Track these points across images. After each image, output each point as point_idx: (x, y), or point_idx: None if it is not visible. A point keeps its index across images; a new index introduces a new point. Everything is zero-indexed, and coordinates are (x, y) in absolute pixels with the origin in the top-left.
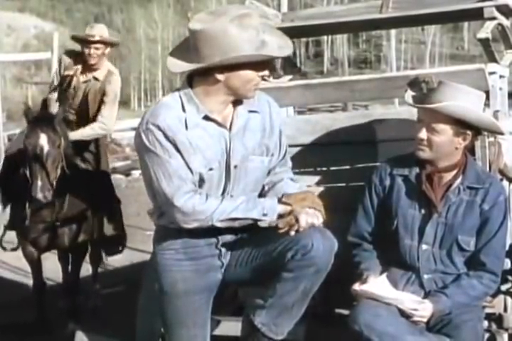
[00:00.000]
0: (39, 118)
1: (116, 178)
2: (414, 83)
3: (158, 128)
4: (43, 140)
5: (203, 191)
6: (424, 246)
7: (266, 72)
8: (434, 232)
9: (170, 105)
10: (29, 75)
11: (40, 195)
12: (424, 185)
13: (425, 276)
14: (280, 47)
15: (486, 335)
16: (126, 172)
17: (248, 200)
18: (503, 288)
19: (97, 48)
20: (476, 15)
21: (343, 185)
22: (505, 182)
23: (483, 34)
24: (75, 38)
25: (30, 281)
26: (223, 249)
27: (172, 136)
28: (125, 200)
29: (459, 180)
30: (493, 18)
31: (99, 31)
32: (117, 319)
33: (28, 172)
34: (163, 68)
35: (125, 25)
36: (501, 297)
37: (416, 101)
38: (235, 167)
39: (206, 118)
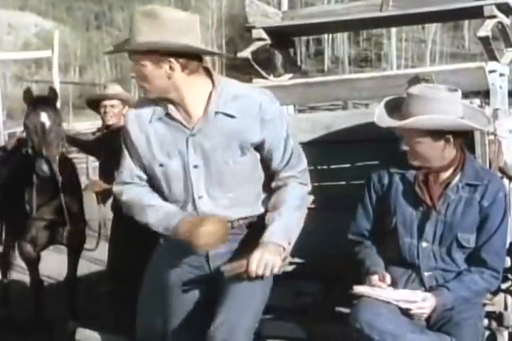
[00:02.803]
0: (38, 100)
1: None
2: (414, 81)
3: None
4: (44, 117)
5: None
6: (424, 244)
7: None
8: (434, 230)
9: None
10: (29, 74)
11: (45, 168)
12: (418, 185)
13: (426, 274)
14: None
15: (487, 333)
16: None
17: (168, 212)
18: (504, 286)
19: (113, 107)
20: (476, 13)
21: (343, 183)
22: (506, 180)
23: (483, 32)
24: (89, 102)
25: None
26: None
27: (133, 129)
28: None
29: (457, 178)
30: (493, 17)
31: (116, 90)
32: (117, 317)
33: (30, 150)
34: None
35: (126, 23)
36: (501, 295)
37: (389, 115)
38: (195, 167)
39: (168, 115)
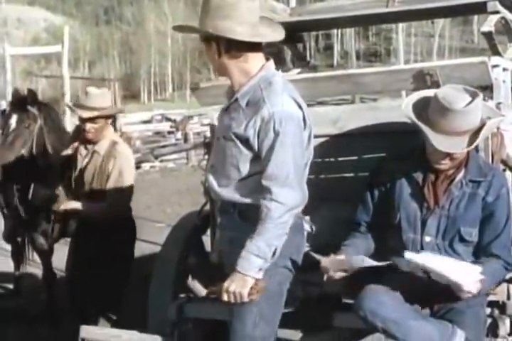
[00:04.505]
0: (15, 102)
1: None
2: (418, 76)
3: None
4: (13, 119)
5: None
6: (427, 238)
7: None
8: (437, 225)
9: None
10: (39, 69)
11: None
12: (427, 186)
13: None
14: None
15: (489, 321)
16: (137, 165)
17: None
18: (507, 276)
19: (94, 122)
20: (480, 9)
21: (348, 175)
22: (508, 173)
23: (486, 28)
24: (71, 109)
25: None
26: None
27: None
28: (135, 193)
29: (461, 174)
30: (497, 12)
31: (98, 102)
32: (127, 309)
33: None
34: (173, 61)
35: (135, 18)
36: (504, 285)
37: (418, 118)
38: (218, 139)
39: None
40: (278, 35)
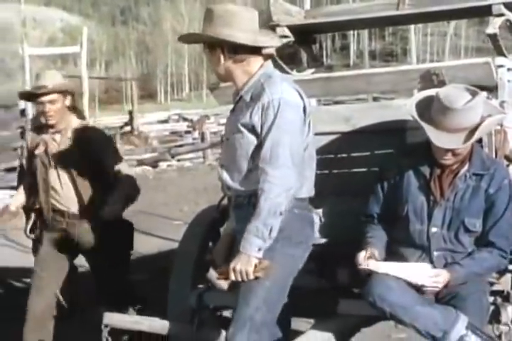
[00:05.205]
0: None
1: (144, 170)
2: (425, 76)
3: None
4: None
5: None
6: (433, 229)
7: None
8: (443, 216)
9: None
10: (55, 69)
11: None
12: (433, 180)
13: (435, 253)
14: None
15: (492, 309)
16: (154, 164)
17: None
18: (511, 267)
19: (52, 102)
20: (486, 11)
21: (359, 170)
22: (511, 168)
23: (491, 30)
24: (23, 96)
25: None
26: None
27: None
28: (153, 191)
29: (465, 168)
30: (501, 15)
31: (48, 79)
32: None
33: None
34: (190, 61)
35: (152, 18)
36: (508, 276)
37: (420, 117)
38: (227, 139)
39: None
40: (275, 42)
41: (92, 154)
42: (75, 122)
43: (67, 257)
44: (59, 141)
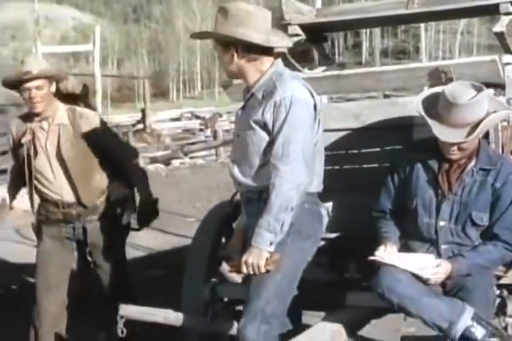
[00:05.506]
0: None
1: (157, 167)
2: (433, 73)
3: None
4: None
5: None
6: (441, 223)
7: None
8: (450, 210)
9: None
10: (68, 67)
11: None
12: (441, 174)
13: (443, 246)
14: None
15: (498, 301)
16: (166, 162)
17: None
18: None
19: (38, 88)
20: (493, 10)
21: (369, 166)
22: None
23: (498, 28)
24: (6, 83)
25: None
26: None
27: None
28: (165, 188)
29: (472, 163)
30: (509, 13)
31: (32, 65)
32: (159, 300)
33: None
34: (202, 59)
35: (164, 16)
36: None
37: (427, 113)
38: (238, 136)
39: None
40: (286, 42)
41: (87, 138)
42: (61, 108)
43: (70, 250)
44: (47, 129)
